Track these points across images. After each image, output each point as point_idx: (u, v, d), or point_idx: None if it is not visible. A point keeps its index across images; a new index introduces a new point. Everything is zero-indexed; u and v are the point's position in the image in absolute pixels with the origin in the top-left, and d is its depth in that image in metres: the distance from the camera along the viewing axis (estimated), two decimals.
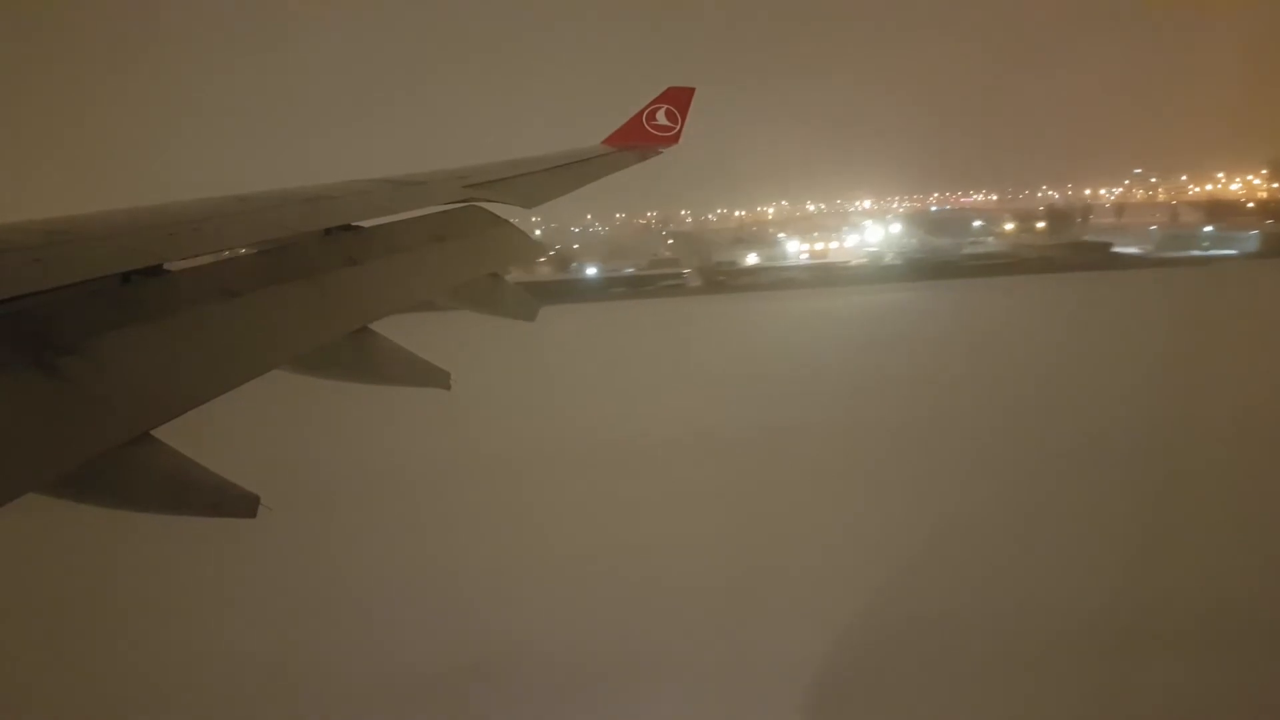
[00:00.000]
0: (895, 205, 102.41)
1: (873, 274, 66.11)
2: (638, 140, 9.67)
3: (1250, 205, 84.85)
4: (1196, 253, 65.84)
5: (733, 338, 45.63)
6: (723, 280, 65.72)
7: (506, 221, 5.70)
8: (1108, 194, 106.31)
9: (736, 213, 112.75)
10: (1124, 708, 13.58)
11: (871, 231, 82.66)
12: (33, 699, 14.44)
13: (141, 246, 3.10)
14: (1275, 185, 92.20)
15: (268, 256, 3.72)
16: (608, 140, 9.56)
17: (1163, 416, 25.87)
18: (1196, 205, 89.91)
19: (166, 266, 3.06)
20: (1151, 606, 15.92)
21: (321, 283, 3.77)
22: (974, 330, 43.33)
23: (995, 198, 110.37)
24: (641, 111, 9.90)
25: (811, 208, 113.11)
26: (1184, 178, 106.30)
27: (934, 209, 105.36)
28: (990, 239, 78.18)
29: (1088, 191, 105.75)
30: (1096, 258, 64.41)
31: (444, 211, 5.22)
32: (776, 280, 66.04)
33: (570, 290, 62.34)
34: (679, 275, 66.84)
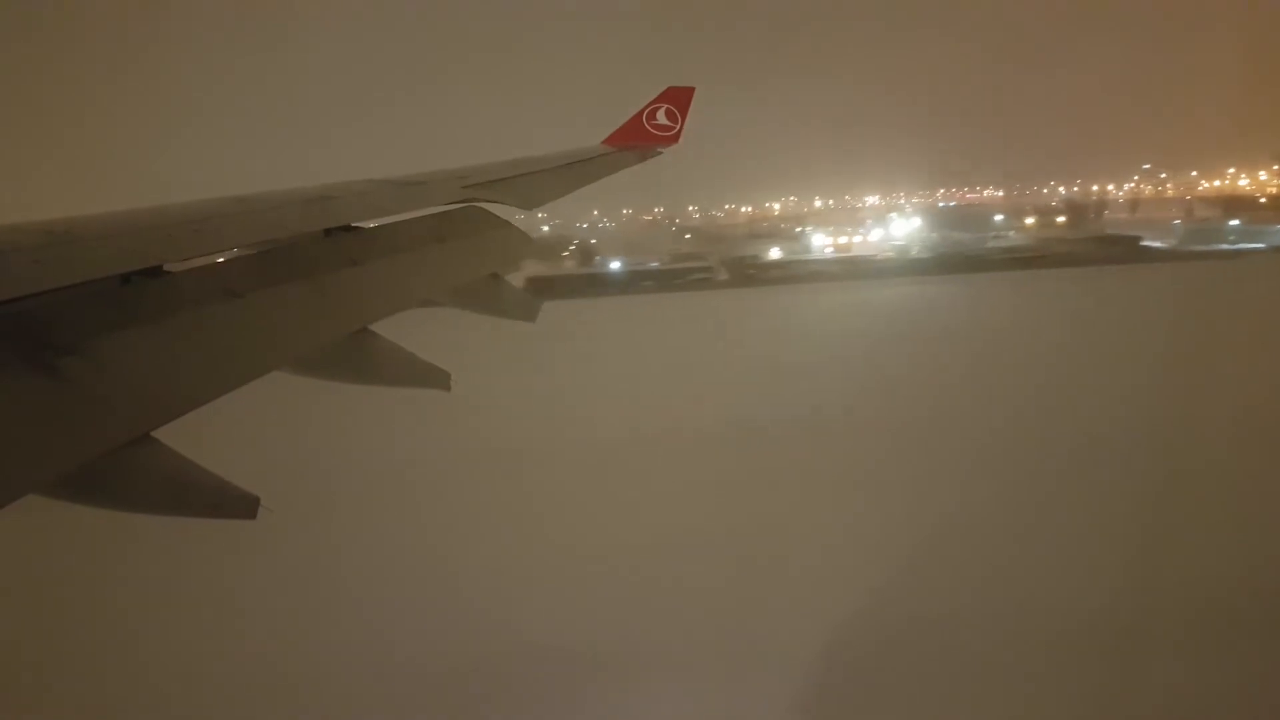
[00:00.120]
0: (902, 201, 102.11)
1: (902, 267, 65.58)
2: (638, 140, 9.67)
3: (1262, 200, 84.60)
4: (1224, 246, 65.38)
5: (777, 330, 45.27)
6: (752, 274, 65.14)
7: (507, 222, 5.70)
8: (1117, 189, 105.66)
9: (743, 208, 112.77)
10: (1125, 708, 13.58)
11: (894, 226, 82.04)
12: (33, 699, 14.43)
13: (141, 247, 3.10)
14: None
15: (268, 257, 3.72)
16: (608, 140, 9.57)
17: (1210, 411, 25.52)
18: (1213, 200, 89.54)
19: (166, 267, 3.06)
20: (1181, 605, 15.87)
21: (321, 283, 3.77)
22: (1015, 324, 42.74)
23: (1001, 194, 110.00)
24: (641, 111, 9.90)
25: (819, 203, 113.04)
26: (1194, 173, 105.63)
27: (940, 204, 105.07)
28: (1011, 233, 77.82)
29: (1095, 187, 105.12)
30: (1125, 251, 63.95)
31: (444, 212, 5.22)
32: (806, 273, 65.55)
33: (598, 284, 62.46)
34: (708, 269, 66.37)
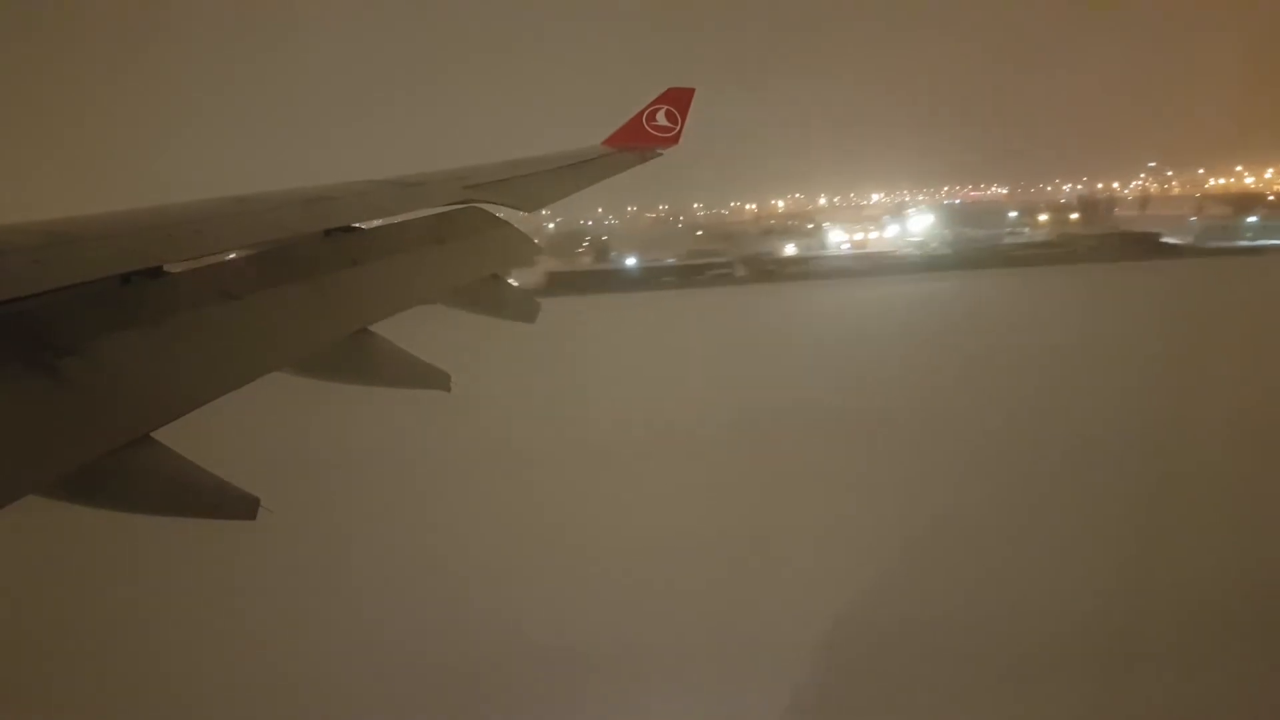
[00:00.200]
0: (906, 198, 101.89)
1: (921, 263, 64.89)
2: (638, 141, 9.68)
3: (1270, 198, 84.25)
4: (1244, 243, 64.85)
5: (805, 327, 44.78)
6: (772, 270, 64.73)
7: (506, 222, 5.71)
8: (1122, 187, 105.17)
9: (748, 206, 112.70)
10: (1121, 709, 13.57)
11: (911, 222, 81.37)
12: (33, 700, 14.43)
13: (141, 248, 3.11)
14: None
15: (267, 258, 3.72)
16: (607, 141, 9.57)
17: (1246, 407, 25.51)
18: (1221, 197, 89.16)
19: (166, 268, 3.06)
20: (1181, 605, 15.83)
21: (321, 284, 3.77)
22: (1045, 320, 42.09)
23: (1005, 191, 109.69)
24: (641, 112, 9.91)
25: (823, 200, 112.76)
26: (1201, 170, 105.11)
27: (944, 202, 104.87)
28: (1026, 230, 77.32)
29: (1100, 185, 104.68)
30: (1146, 248, 63.36)
31: (444, 213, 5.22)
32: (826, 269, 65.08)
33: (618, 280, 62.44)
34: (728, 265, 65.86)
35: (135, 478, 2.53)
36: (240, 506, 2.66)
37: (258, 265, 3.63)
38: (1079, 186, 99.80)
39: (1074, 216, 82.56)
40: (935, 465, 23.40)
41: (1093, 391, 29.06)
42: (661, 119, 9.93)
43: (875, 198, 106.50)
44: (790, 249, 72.06)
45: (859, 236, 77.70)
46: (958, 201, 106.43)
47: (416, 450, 23.96)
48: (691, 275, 62.96)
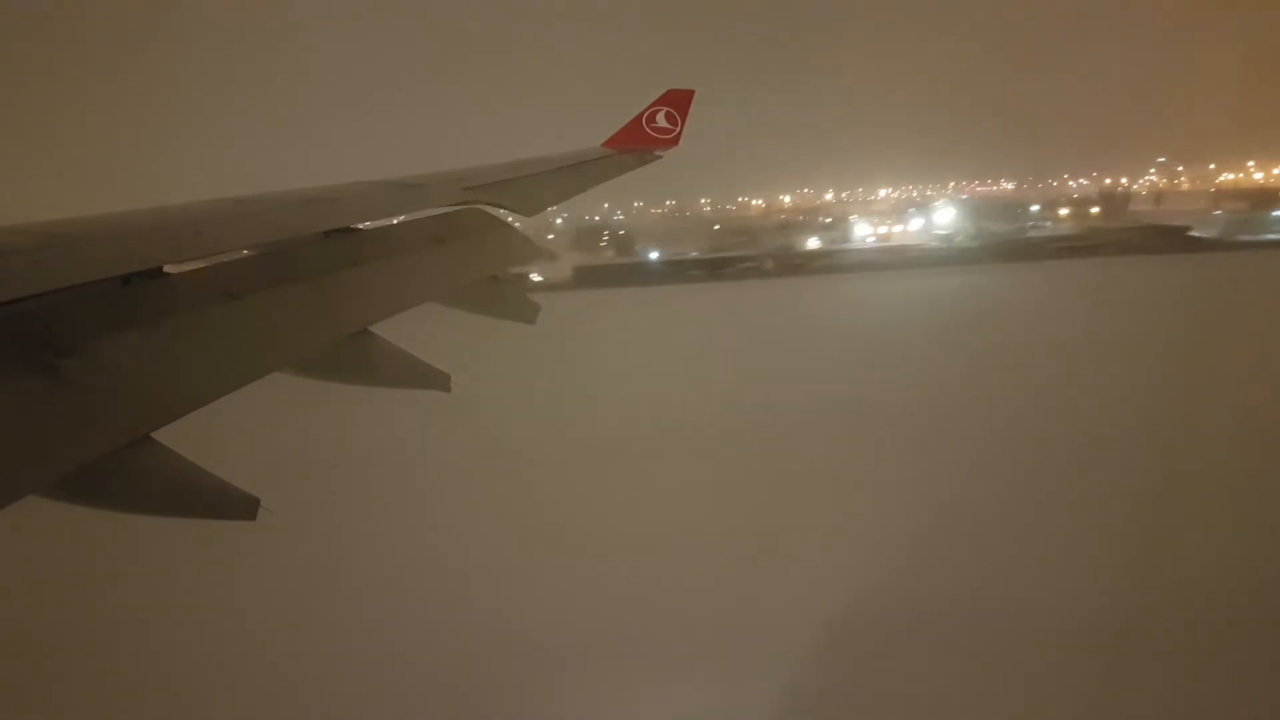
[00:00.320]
0: (914, 194, 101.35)
1: (949, 257, 63.65)
2: (637, 143, 9.69)
3: None
4: (1273, 236, 63.99)
5: (840, 318, 44.48)
6: (799, 263, 64.05)
7: (506, 223, 5.72)
8: (1132, 182, 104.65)
9: (754, 201, 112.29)
10: (1125, 707, 13.56)
11: (934, 215, 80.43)
12: (33, 700, 14.43)
13: (141, 249, 3.11)
14: None
15: (267, 259, 3.73)
16: (607, 143, 9.58)
17: None
18: (1232, 193, 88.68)
19: (167, 269, 3.07)
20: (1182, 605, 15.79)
21: (321, 285, 3.78)
22: (1080, 313, 41.34)
23: (1011, 186, 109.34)
24: (641, 114, 9.92)
25: (830, 196, 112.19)
26: (1212, 165, 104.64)
27: (954, 196, 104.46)
28: (1048, 224, 76.26)
29: (1109, 180, 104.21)
30: (1175, 241, 62.09)
31: (444, 214, 5.23)
32: (853, 263, 64.19)
33: (644, 273, 61.84)
34: (754, 258, 64.80)
35: (135, 478, 2.53)
36: (240, 507, 2.67)
37: (258, 266, 3.63)
38: (1086, 182, 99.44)
39: (1094, 211, 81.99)
40: (968, 460, 23.13)
41: (1136, 386, 28.36)
42: (661, 120, 9.94)
43: (883, 193, 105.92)
44: (815, 242, 70.98)
45: (883, 230, 76.48)
46: (964, 197, 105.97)
47: (417, 451, 23.94)
48: (718, 268, 62.22)
